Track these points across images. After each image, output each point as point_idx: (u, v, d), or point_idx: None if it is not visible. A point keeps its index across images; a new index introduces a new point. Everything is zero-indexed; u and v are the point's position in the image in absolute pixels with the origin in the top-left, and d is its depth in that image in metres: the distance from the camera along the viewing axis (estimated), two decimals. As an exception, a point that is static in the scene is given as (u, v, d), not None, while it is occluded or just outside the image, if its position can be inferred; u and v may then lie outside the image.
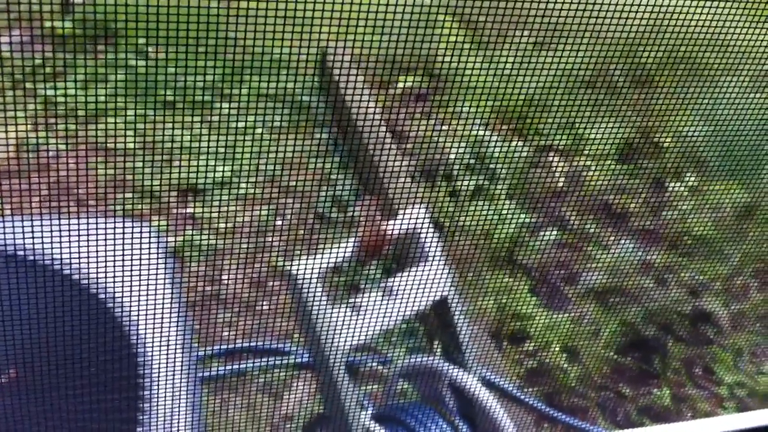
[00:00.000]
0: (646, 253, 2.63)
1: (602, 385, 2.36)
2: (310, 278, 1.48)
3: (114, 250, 1.07)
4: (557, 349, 2.38)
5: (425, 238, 1.63)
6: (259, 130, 2.08)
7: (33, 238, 1.07)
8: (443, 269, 1.65)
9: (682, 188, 2.81)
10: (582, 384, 2.34)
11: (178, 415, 1.35)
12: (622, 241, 2.67)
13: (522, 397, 2.21)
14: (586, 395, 2.32)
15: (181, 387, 1.36)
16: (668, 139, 2.88)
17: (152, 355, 1.35)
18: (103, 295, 1.34)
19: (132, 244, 1.10)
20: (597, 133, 2.70)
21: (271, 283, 2.30)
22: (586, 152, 2.90)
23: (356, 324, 1.53)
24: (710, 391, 2.42)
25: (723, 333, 2.53)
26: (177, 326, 1.37)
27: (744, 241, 2.34)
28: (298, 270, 1.48)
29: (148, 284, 1.15)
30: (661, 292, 2.60)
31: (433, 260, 1.63)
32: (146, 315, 1.21)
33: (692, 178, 2.83)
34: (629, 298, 2.54)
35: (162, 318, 1.24)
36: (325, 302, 1.49)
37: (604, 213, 2.78)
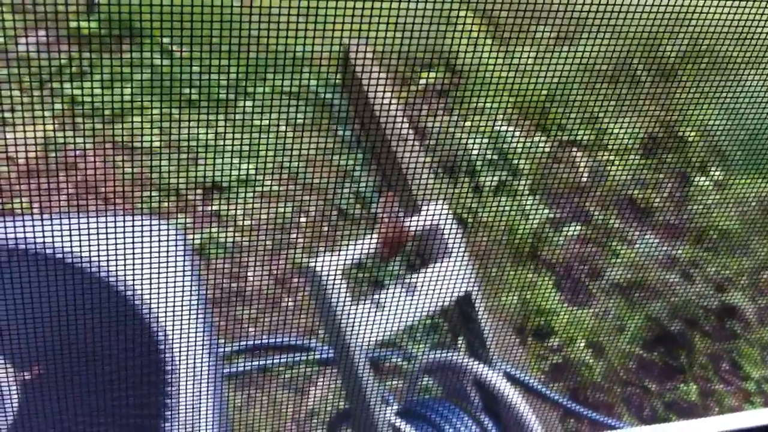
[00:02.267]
0: (671, 248, 2.61)
1: (627, 380, 2.35)
2: (333, 274, 1.48)
3: (131, 246, 1.09)
4: (582, 344, 2.37)
5: (448, 233, 1.63)
6: (280, 128, 2.09)
7: (56, 235, 1.08)
8: (466, 265, 1.65)
9: (707, 182, 2.79)
10: (607, 379, 2.33)
11: (202, 410, 1.37)
12: (647, 236, 2.65)
13: (547, 392, 2.20)
14: (612, 391, 2.31)
15: (204, 382, 1.38)
16: (692, 133, 2.85)
17: (175, 351, 1.36)
18: (125, 292, 1.36)
19: (155, 240, 1.11)
20: (620, 128, 2.69)
21: (293, 280, 2.31)
22: (609, 147, 2.88)
23: (379, 320, 1.53)
24: (737, 386, 2.40)
25: (750, 328, 2.51)
26: (200, 322, 1.38)
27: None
28: (321, 266, 1.49)
29: (166, 279, 1.16)
30: (686, 287, 2.58)
31: (456, 256, 1.63)
32: (166, 310, 1.22)
33: (717, 172, 2.81)
34: (654, 293, 2.52)
35: (181, 312, 1.25)
36: (347, 298, 1.50)
37: (627, 207, 2.76)
